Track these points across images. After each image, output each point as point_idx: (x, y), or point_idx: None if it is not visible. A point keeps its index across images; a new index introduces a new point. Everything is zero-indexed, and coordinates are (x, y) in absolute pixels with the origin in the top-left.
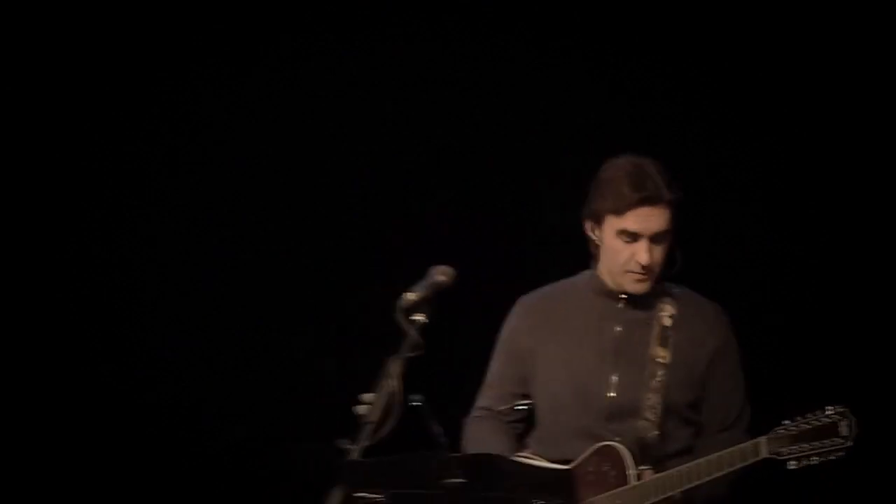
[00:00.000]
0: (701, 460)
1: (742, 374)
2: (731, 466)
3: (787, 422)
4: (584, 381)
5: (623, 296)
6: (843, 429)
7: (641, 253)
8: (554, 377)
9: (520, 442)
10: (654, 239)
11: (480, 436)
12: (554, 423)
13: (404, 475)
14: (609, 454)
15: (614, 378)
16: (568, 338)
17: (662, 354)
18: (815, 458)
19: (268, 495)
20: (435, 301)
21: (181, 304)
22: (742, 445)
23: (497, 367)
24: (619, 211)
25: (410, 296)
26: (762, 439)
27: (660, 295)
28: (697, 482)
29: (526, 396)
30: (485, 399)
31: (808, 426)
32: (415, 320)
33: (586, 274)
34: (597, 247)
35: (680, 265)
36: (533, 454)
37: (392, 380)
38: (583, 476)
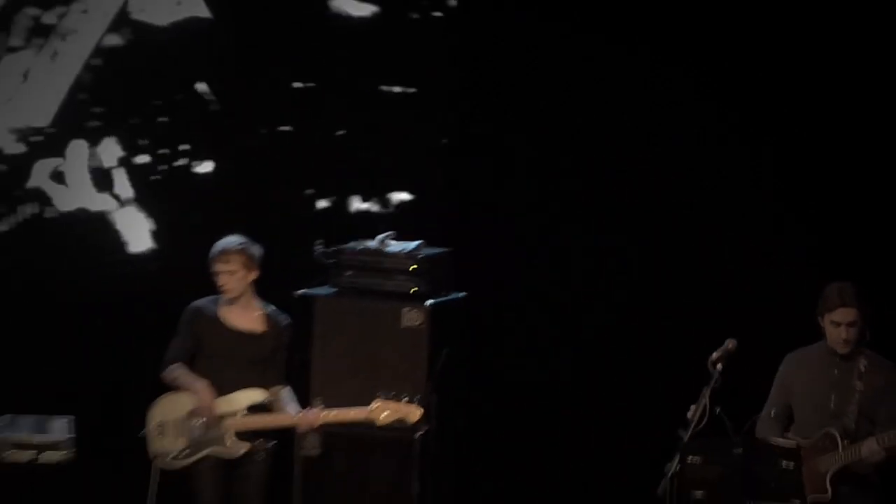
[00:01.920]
0: (883, 434)
1: None
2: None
3: None
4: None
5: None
6: None
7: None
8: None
9: (786, 430)
10: (850, 325)
11: (766, 427)
12: (803, 422)
13: (711, 450)
14: (830, 439)
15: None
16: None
17: (859, 386)
18: None
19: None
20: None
21: None
22: None
23: (773, 393)
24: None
25: (716, 354)
26: None
27: (856, 354)
28: (890, 444)
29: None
30: (767, 408)
31: None
32: (717, 368)
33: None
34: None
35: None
36: (792, 437)
37: (704, 398)
38: (814, 446)
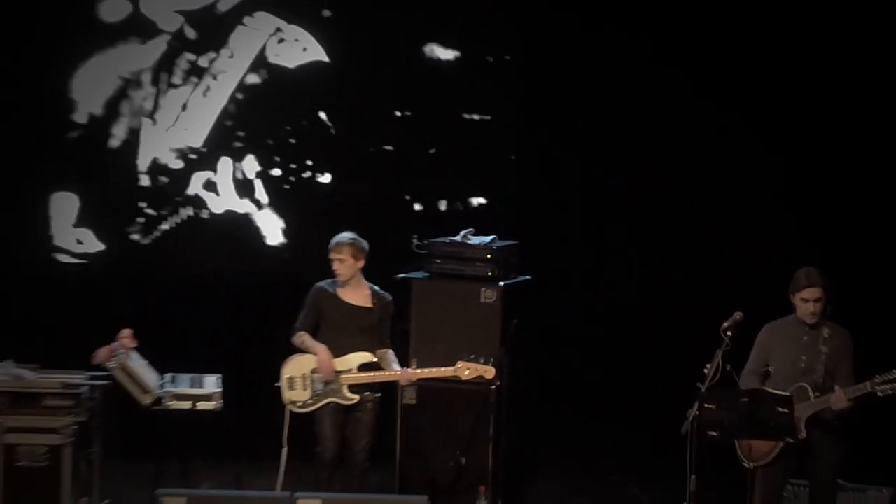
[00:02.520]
0: (847, 388)
1: (852, 353)
2: (860, 392)
3: (876, 377)
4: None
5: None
6: None
7: (811, 307)
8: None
9: (763, 384)
10: (816, 301)
11: (748, 380)
12: (779, 378)
13: (723, 399)
14: (802, 391)
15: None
16: (785, 342)
17: (824, 350)
18: (889, 391)
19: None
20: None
21: None
22: (861, 384)
23: (754, 354)
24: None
25: (727, 323)
26: (867, 383)
27: (821, 324)
28: (853, 396)
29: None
30: (749, 365)
31: (883, 378)
32: (727, 335)
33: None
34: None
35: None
36: (772, 389)
37: (717, 358)
38: (791, 400)
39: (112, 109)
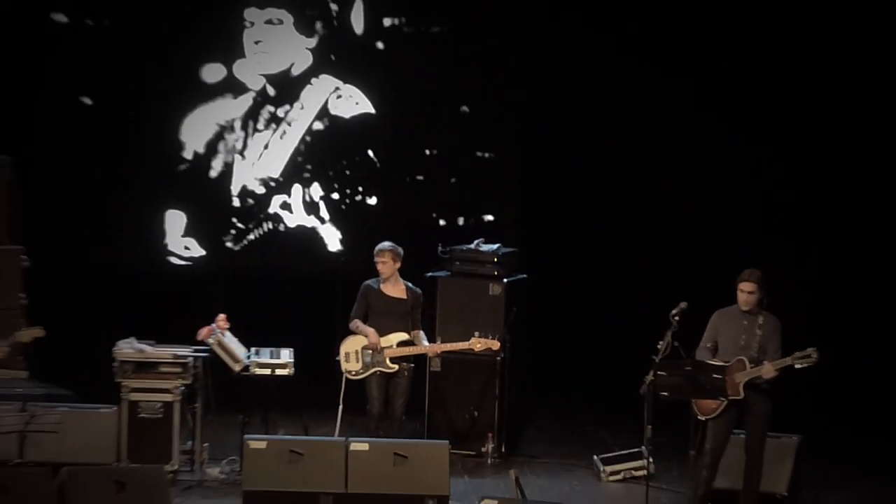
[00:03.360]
0: (780, 360)
1: (780, 336)
2: (783, 364)
3: (795, 353)
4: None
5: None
6: (813, 354)
7: (747, 298)
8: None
9: (714, 356)
10: (750, 293)
11: (702, 354)
12: (724, 352)
13: (672, 367)
14: (740, 363)
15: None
16: (729, 324)
17: (759, 332)
18: (806, 364)
19: None
20: (682, 317)
21: None
22: (784, 358)
23: (707, 333)
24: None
25: (675, 310)
26: (788, 358)
27: (757, 312)
28: (778, 367)
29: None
30: (703, 342)
31: (800, 354)
32: (675, 319)
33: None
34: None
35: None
36: (718, 361)
37: (668, 336)
38: (732, 367)
39: (211, 148)
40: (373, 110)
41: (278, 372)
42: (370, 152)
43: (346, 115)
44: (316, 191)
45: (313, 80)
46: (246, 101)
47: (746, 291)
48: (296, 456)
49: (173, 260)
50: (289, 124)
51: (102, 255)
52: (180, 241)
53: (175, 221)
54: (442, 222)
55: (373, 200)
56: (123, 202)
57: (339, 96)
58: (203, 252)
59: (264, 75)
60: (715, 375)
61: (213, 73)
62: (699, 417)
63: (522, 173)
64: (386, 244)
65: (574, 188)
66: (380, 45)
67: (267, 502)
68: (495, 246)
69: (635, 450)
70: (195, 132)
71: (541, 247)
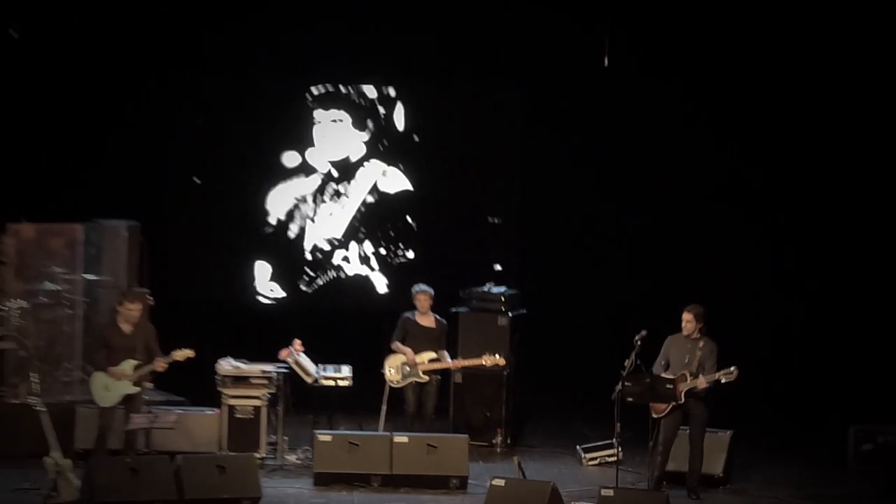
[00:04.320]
0: (710, 375)
1: (716, 356)
2: (712, 379)
3: (721, 370)
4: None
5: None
6: (735, 371)
7: (688, 325)
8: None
9: (665, 371)
10: (688, 322)
11: (657, 369)
12: (673, 368)
13: (635, 379)
14: (684, 376)
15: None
16: (677, 347)
17: (699, 353)
18: (729, 379)
19: None
20: (643, 342)
21: None
22: (713, 374)
23: (661, 353)
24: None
25: (637, 337)
26: (716, 374)
27: (698, 337)
28: (709, 381)
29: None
30: (658, 359)
31: (724, 371)
32: (638, 343)
33: None
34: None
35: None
36: (667, 375)
37: (632, 355)
38: (677, 378)
39: (289, 216)
40: (411, 187)
41: (340, 383)
42: (408, 218)
43: (391, 191)
44: (368, 247)
45: (366, 164)
46: (315, 180)
47: (686, 321)
48: (353, 446)
49: (261, 299)
50: (347, 197)
51: (208, 295)
52: (267, 285)
53: (263, 271)
54: (463, 271)
55: (410, 254)
56: (224, 256)
57: (385, 175)
58: (284, 294)
59: (329, 161)
60: (668, 386)
61: (290, 159)
62: (654, 416)
63: (523, 232)
64: (422, 286)
65: (564, 247)
66: (416, 137)
67: (331, 481)
68: (503, 288)
69: (608, 441)
70: (278, 203)
71: (538, 290)
